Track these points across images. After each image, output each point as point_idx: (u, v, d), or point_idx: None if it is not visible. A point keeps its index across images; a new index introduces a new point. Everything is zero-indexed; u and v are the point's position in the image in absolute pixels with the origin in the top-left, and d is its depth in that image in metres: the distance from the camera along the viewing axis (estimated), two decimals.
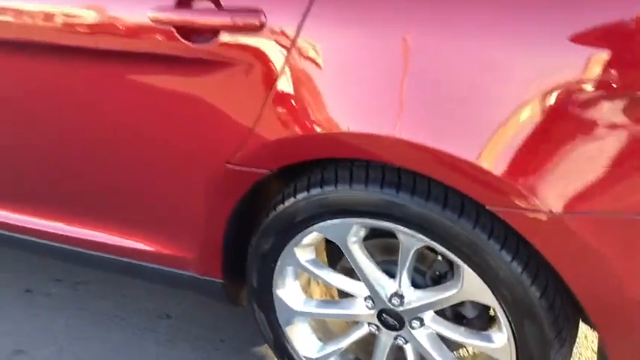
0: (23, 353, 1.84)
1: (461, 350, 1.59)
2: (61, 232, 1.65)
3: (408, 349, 1.40)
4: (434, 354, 1.37)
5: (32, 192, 1.65)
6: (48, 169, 1.57)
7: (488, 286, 1.18)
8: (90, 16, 1.30)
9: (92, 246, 1.62)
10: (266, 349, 1.76)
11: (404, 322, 1.35)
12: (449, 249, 1.18)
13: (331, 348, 1.48)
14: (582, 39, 0.97)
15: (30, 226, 1.69)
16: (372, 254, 1.35)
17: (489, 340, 1.28)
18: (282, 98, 1.17)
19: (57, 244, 1.68)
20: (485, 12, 1.03)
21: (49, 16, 1.34)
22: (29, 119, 1.50)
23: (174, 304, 1.97)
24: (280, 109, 1.18)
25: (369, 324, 1.41)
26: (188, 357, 1.78)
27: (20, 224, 1.70)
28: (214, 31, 1.19)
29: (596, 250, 1.05)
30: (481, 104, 1.03)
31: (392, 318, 1.35)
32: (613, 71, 0.96)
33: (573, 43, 0.97)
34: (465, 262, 1.18)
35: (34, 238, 1.70)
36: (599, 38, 0.96)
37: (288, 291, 1.45)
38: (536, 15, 0.99)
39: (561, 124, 1.01)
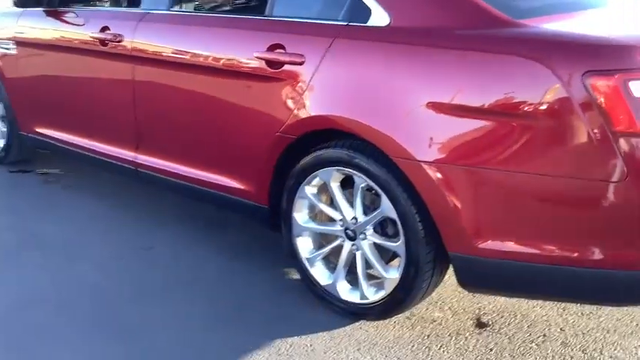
0: (152, 249, 3.09)
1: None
2: (184, 174, 2.94)
3: (359, 255, 2.47)
4: (372, 258, 2.43)
5: (178, 147, 2.97)
6: (186, 132, 2.89)
7: (393, 206, 2.27)
8: (228, 55, 2.63)
9: (196, 182, 2.88)
10: (292, 272, 2.87)
11: (356, 235, 2.44)
12: (376, 184, 2.29)
13: (318, 252, 2.59)
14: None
15: (161, 167, 3.00)
16: (347, 198, 2.47)
17: (395, 242, 2.34)
18: (305, 99, 2.40)
19: (184, 183, 2.96)
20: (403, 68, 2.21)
21: (203, 56, 2.71)
22: (185, 103, 2.84)
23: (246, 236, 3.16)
24: (303, 105, 2.40)
25: (339, 237, 2.51)
26: (253, 268, 2.93)
27: (171, 170, 3.00)
28: (282, 63, 2.45)
29: (442, 184, 2.12)
30: (389, 104, 2.19)
31: (351, 232, 2.45)
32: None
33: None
34: (383, 191, 2.28)
35: (173, 179, 3.00)
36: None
37: (300, 214, 2.59)
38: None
39: (427, 116, 2.13)
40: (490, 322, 2.51)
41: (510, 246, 2.09)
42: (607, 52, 1.93)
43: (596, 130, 1.90)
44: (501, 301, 2.63)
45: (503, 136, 2.04)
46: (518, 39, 2.05)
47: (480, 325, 2.50)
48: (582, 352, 2.33)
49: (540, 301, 2.61)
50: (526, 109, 1.99)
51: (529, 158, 2.01)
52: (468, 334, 2.45)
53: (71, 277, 2.85)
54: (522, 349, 2.36)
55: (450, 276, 2.36)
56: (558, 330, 2.46)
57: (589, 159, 1.94)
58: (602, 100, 1.88)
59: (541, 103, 1.97)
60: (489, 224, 2.11)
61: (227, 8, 3.23)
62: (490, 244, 2.11)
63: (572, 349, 2.35)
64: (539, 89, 1.97)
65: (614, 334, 2.43)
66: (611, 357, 2.31)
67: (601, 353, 2.32)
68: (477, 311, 2.58)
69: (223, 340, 2.43)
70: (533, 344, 2.38)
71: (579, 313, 2.55)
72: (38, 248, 3.12)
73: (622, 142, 1.88)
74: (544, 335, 2.43)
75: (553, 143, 1.99)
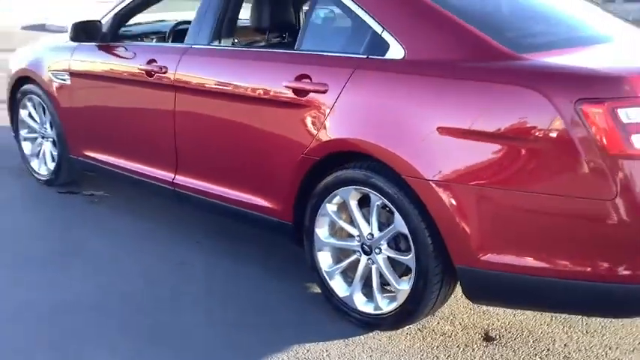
0: (185, 263, 3.33)
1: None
2: (217, 193, 3.19)
3: (374, 268, 2.67)
4: (386, 271, 2.62)
5: (212, 169, 3.23)
6: (220, 155, 3.15)
7: (405, 222, 2.47)
8: (260, 85, 2.91)
9: (228, 200, 3.13)
10: (312, 284, 3.07)
11: (372, 250, 2.64)
12: (390, 202, 2.50)
13: (336, 265, 2.79)
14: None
15: (196, 187, 3.27)
16: (364, 215, 2.68)
17: (407, 256, 2.53)
18: (328, 124, 2.64)
19: (217, 202, 3.21)
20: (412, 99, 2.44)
21: (238, 85, 2.99)
22: (220, 128, 3.11)
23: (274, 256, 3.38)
24: (326, 129, 2.64)
25: (356, 252, 2.71)
26: (278, 280, 3.14)
27: (205, 190, 3.26)
28: (308, 92, 2.71)
29: (448, 201, 2.32)
30: (402, 128, 2.41)
31: (367, 247, 2.65)
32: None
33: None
34: (396, 209, 2.49)
35: (207, 198, 3.26)
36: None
37: (322, 230, 2.80)
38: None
39: (435, 139, 2.34)
40: (497, 337, 2.66)
41: (510, 259, 2.27)
42: (597, 82, 2.13)
43: (588, 153, 2.09)
44: (510, 317, 2.78)
45: (504, 158, 2.24)
46: (519, 71, 2.27)
47: (488, 338, 2.66)
48: None
49: (547, 319, 2.76)
50: (526, 133, 2.19)
51: (528, 178, 2.21)
52: (475, 346, 2.60)
53: (109, 286, 3.10)
54: None
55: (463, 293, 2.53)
56: (562, 345, 2.60)
57: (582, 179, 2.12)
58: (593, 125, 2.07)
59: (539, 128, 2.17)
60: (491, 239, 2.30)
61: (261, 43, 3.53)
62: (491, 257, 2.30)
63: None
64: (537, 115, 2.17)
65: (615, 351, 2.55)
66: None
67: None
68: (486, 326, 2.74)
69: (249, 344, 2.64)
70: (537, 357, 2.52)
71: (584, 331, 2.69)
72: (81, 260, 3.39)
73: (611, 163, 2.07)
74: (548, 350, 2.57)
75: (549, 164, 2.18)
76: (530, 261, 2.24)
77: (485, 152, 2.27)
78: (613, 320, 2.74)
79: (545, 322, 2.75)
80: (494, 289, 2.35)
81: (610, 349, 2.57)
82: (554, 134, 2.14)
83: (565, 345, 2.60)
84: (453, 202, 2.31)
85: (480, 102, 2.29)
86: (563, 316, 2.77)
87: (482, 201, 2.28)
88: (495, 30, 2.48)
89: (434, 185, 2.34)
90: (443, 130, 2.34)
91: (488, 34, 2.42)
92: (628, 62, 2.42)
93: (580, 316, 2.76)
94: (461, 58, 2.41)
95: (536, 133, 2.17)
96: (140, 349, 2.62)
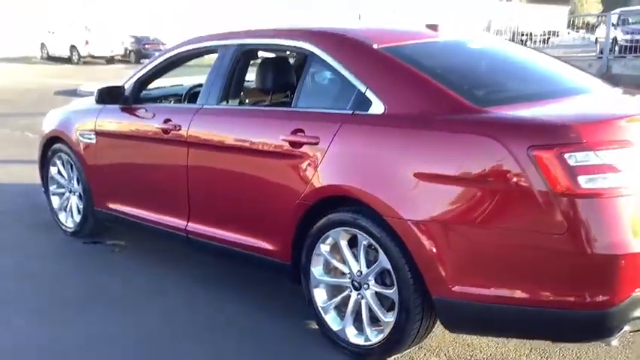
0: (195, 303, 3.61)
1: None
2: (225, 238, 3.50)
3: (364, 303, 2.93)
4: (374, 304, 2.88)
5: (220, 216, 3.55)
6: (227, 203, 3.48)
7: (387, 259, 2.74)
8: (261, 139, 3.25)
9: (234, 244, 3.44)
10: (311, 322, 3.32)
11: (361, 285, 2.91)
12: (375, 241, 2.78)
13: (330, 301, 3.06)
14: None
15: (206, 233, 3.58)
16: (354, 254, 2.96)
17: (391, 290, 2.79)
18: (319, 172, 2.96)
19: (224, 246, 3.51)
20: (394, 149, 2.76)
21: (243, 140, 3.33)
22: (227, 179, 3.45)
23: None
24: (317, 176, 2.96)
25: (347, 288, 2.98)
26: (279, 316, 3.41)
27: (214, 235, 3.58)
28: (302, 144, 3.04)
29: (422, 237, 2.60)
30: (382, 174, 2.72)
31: (357, 283, 2.92)
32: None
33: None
34: (379, 247, 2.77)
35: (216, 243, 3.57)
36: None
37: (317, 268, 3.08)
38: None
39: (412, 184, 2.64)
40: None
41: (478, 289, 2.53)
42: (546, 130, 2.43)
43: (541, 192, 2.37)
44: (492, 349, 3.00)
45: (471, 199, 2.53)
46: (480, 122, 2.58)
47: None
48: None
49: (527, 351, 2.97)
50: (488, 177, 2.48)
51: (491, 216, 2.49)
52: None
53: (127, 325, 3.39)
54: None
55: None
56: None
57: (536, 216, 2.39)
58: (544, 168, 2.36)
59: (499, 172, 2.46)
60: (461, 271, 2.56)
61: (265, 102, 3.90)
62: (462, 288, 2.55)
63: None
64: (496, 161, 2.47)
65: None
66: None
67: None
68: (470, 358, 2.95)
69: None
70: None
71: None
72: (103, 303, 3.69)
73: (561, 201, 2.34)
74: None
75: (510, 204, 2.46)
76: (496, 290, 2.49)
77: (454, 194, 2.56)
78: (589, 351, 2.95)
79: (524, 354, 2.96)
80: (466, 317, 2.60)
81: None
82: (512, 177, 2.43)
83: None
84: (428, 239, 2.59)
85: (448, 150, 2.60)
86: (542, 347, 2.99)
87: (453, 237, 2.56)
88: (463, 87, 2.81)
89: (411, 224, 2.62)
90: (417, 175, 2.64)
91: (457, 91, 2.75)
92: (579, 112, 2.71)
93: (557, 347, 2.97)
94: (432, 112, 2.73)
95: (497, 177, 2.46)
96: None
